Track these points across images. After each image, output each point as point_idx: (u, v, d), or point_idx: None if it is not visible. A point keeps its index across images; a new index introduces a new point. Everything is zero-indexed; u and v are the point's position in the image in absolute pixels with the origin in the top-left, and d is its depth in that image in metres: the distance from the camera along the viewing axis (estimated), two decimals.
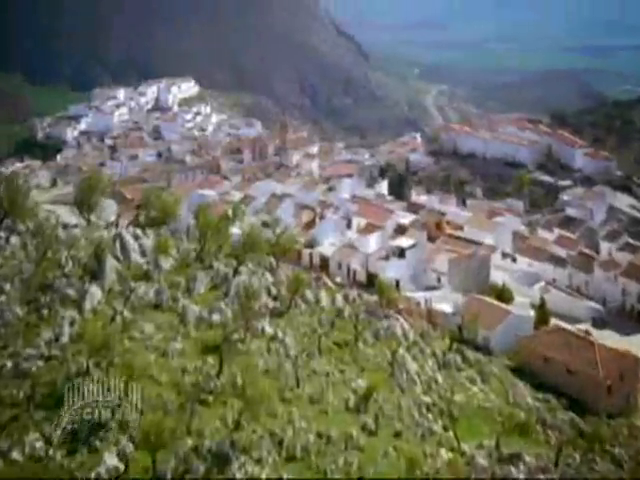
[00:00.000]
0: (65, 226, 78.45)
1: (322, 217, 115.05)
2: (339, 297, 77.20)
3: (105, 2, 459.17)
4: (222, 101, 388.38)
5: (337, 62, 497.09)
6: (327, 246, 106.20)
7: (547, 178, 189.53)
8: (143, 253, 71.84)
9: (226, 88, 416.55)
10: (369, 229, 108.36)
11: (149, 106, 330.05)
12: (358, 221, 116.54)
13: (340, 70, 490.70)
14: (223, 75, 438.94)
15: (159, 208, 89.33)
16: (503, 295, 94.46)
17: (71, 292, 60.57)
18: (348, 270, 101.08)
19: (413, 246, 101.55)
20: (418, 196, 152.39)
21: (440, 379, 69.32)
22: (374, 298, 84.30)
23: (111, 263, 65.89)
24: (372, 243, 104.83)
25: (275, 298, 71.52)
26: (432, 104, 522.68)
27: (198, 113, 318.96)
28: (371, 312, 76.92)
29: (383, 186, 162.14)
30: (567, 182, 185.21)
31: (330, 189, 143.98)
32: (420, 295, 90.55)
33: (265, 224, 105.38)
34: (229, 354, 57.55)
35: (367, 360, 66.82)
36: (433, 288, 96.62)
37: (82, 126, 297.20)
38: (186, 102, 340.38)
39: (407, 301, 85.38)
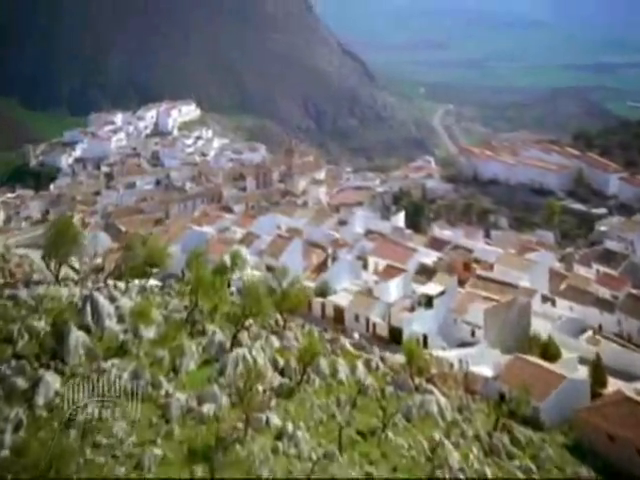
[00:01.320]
0: (27, 284, 65.48)
1: (334, 258, 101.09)
2: (360, 365, 63.60)
3: (104, 25, 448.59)
4: (224, 124, 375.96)
5: (342, 82, 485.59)
6: (342, 294, 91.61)
7: (579, 206, 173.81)
8: (121, 318, 58.62)
9: (229, 111, 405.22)
10: (389, 272, 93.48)
11: (148, 131, 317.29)
12: (375, 261, 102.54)
13: (345, 90, 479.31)
14: (226, 97, 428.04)
15: (145, 255, 76.45)
16: (548, 351, 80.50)
17: (21, 381, 47.30)
18: (367, 323, 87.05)
19: (442, 293, 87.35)
20: (438, 229, 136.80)
21: (489, 473, 55.49)
22: (399, 358, 70.88)
23: (76, 337, 52.58)
24: (393, 290, 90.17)
25: (282, 372, 58.08)
26: (439, 124, 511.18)
27: (199, 137, 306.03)
28: (399, 384, 63.31)
29: (399, 218, 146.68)
30: (602, 210, 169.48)
31: (342, 222, 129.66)
32: (453, 355, 76.30)
33: (270, 268, 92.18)
34: (223, 463, 44.14)
35: (400, 455, 53.01)
36: (467, 344, 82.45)
37: (77, 153, 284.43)
38: (187, 126, 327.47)
39: (439, 364, 71.48)
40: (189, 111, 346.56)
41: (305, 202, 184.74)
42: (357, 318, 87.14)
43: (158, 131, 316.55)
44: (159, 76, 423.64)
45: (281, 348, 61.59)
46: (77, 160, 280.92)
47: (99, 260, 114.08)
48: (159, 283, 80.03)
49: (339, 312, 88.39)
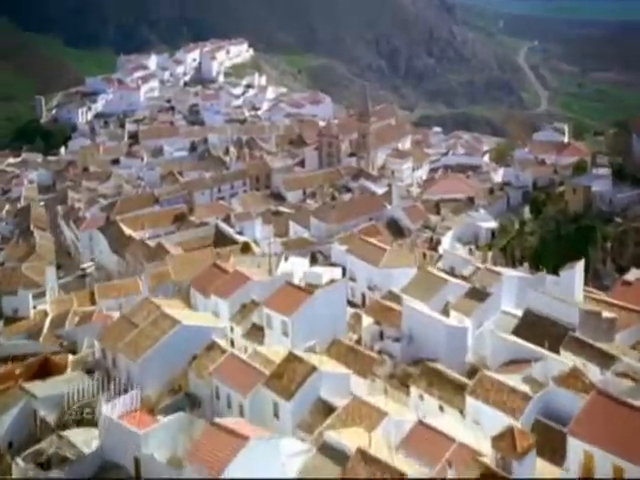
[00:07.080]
0: None
1: (506, 468, 37.24)
2: None
3: None
4: (282, 68, 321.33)
5: (418, 17, 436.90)
6: None
7: None
8: None
9: (289, 50, 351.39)
10: None
11: (187, 78, 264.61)
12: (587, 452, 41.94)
13: (421, 25, 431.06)
14: (287, 35, 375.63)
15: None
16: None
17: None
18: None
19: None
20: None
21: None
22: None
23: None
24: None
25: None
26: (524, 62, 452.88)
27: (249, 86, 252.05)
28: None
29: (576, 273, 68.33)
30: None
31: (478, 295, 61.19)
32: None
33: None
34: None
35: None
36: None
37: (99, 106, 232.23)
38: (236, 71, 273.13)
39: None
40: (240, 52, 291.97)
41: (388, 188, 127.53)
42: None
43: (200, 78, 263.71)
44: (214, 13, 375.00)
45: None
46: (97, 115, 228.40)
47: None
48: None
49: None
